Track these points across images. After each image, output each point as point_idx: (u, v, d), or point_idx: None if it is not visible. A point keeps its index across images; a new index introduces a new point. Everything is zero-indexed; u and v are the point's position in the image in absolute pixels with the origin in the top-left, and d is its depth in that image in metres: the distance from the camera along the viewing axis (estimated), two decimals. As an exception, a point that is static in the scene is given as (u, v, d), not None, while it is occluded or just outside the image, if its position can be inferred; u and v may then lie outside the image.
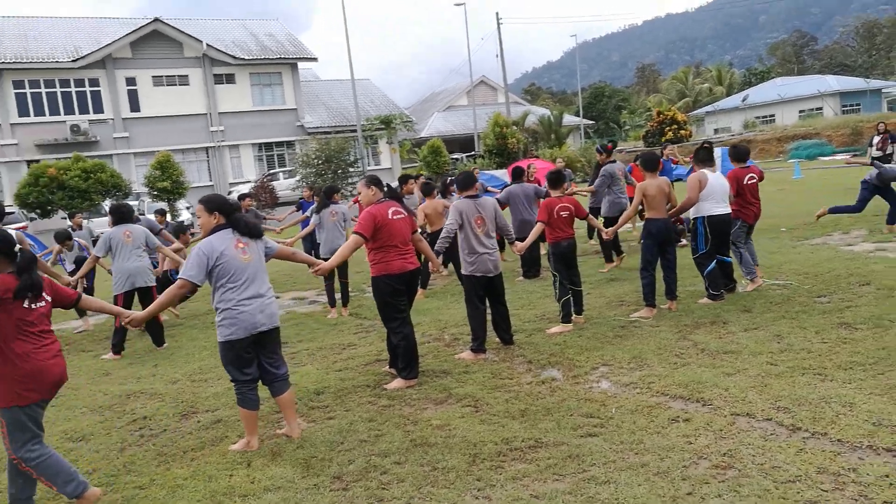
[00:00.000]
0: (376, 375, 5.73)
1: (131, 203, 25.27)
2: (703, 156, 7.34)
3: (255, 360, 4.35)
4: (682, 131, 35.68)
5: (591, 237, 12.17)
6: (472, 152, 35.64)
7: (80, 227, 10.98)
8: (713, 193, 7.03)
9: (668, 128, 35.52)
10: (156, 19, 32.02)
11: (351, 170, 25.22)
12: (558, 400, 4.71)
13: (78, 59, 30.25)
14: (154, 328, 7.56)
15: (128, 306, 7.30)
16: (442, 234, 6.05)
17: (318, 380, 5.73)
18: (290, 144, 35.68)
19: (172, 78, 33.09)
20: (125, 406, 5.62)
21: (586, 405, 4.55)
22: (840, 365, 4.75)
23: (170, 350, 7.55)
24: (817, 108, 42.58)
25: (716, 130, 47.21)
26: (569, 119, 50.37)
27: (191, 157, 34.21)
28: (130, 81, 32.10)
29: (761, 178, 7.75)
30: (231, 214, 4.39)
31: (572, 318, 6.61)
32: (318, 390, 5.46)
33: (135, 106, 32.28)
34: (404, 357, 5.35)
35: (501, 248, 11.51)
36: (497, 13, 37.82)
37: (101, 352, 7.74)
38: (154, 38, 32.16)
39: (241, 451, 4.30)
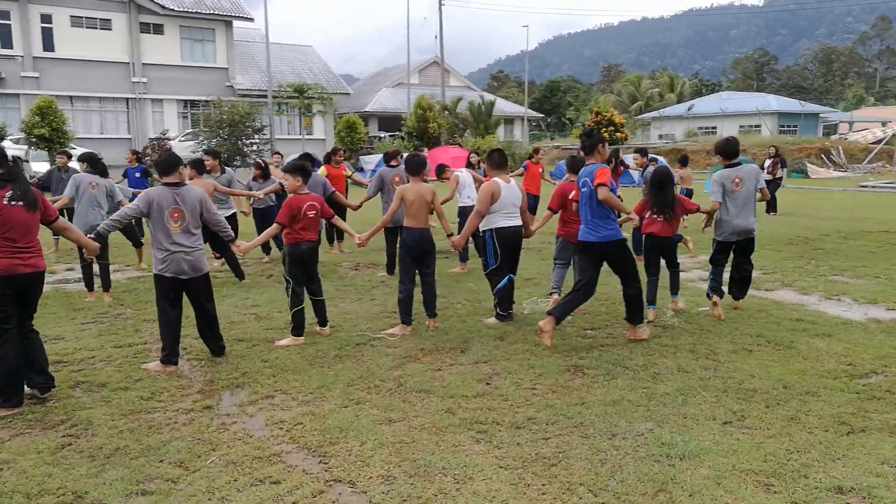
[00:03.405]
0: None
1: (15, 148, 23.72)
2: (498, 160, 6.58)
3: None
4: (619, 134, 35.33)
5: (330, 242, 10.91)
6: (395, 132, 34.61)
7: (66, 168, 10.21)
8: (505, 205, 6.32)
9: (604, 129, 35.08)
10: (78, -45, 30.02)
11: (256, 137, 24.00)
12: (173, 437, 3.92)
13: (-14, -12, 28.22)
14: None
15: None
16: (114, 217, 5.16)
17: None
18: (217, 104, 34.16)
19: (93, 20, 31.18)
20: None
21: (194, 448, 3.77)
22: (516, 423, 4.06)
23: None
24: (756, 126, 42.71)
25: (661, 136, 47.09)
26: (514, 109, 49.78)
27: (108, 107, 32.54)
28: (45, 18, 30.11)
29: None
30: None
31: (304, 330, 5.84)
32: (-63, 395, 4.57)
33: (48, 45, 30.33)
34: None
35: (340, 238, 10.72)
36: (439, -7, 36.67)
37: None
38: (74, -25, 30.21)
39: None
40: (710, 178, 6.76)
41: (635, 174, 18.87)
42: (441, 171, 9.51)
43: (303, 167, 5.82)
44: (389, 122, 44.18)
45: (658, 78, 57.13)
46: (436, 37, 37.68)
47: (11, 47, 29.61)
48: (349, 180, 11.37)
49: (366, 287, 8.10)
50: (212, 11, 33.50)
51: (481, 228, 6.50)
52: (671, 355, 5.33)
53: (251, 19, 35.22)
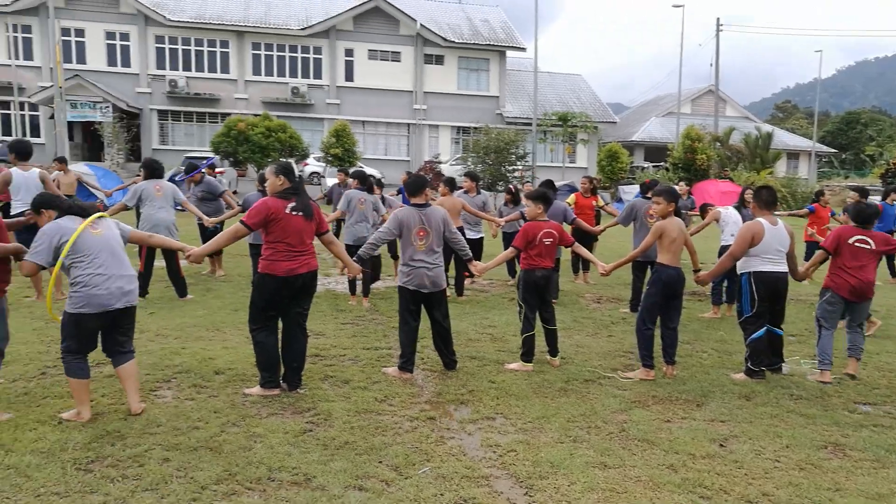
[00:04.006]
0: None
1: (316, 165, 27.52)
2: (766, 198, 5.96)
3: (97, 335, 4.35)
4: (932, 176, 30.04)
5: (575, 271, 10.70)
6: (660, 163, 33.19)
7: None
8: (768, 248, 5.73)
9: (912, 169, 30.16)
10: (378, -5, 33.94)
11: (519, 163, 24.83)
12: (395, 441, 4.16)
13: (306, 28, 33.17)
14: (178, 279, 8.06)
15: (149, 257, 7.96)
16: (370, 241, 5.62)
17: (238, 360, 5.66)
18: (486, 131, 36.09)
19: (386, 53, 34.97)
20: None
21: (411, 456, 3.95)
22: (747, 496, 3.60)
23: (185, 304, 8.01)
24: None
25: None
26: (800, 142, 45.02)
27: (392, 131, 36.10)
28: (349, 52, 34.52)
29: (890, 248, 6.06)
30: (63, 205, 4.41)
31: (534, 357, 5.82)
32: (221, 370, 5.41)
33: (349, 76, 34.69)
34: (258, 364, 4.98)
35: (585, 268, 10.58)
36: (718, 19, 34.57)
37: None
38: (374, 14, 34.18)
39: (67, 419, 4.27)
40: None
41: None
42: (704, 210, 8.96)
43: (544, 195, 5.87)
44: (655, 152, 42.80)
45: None
46: (711, 64, 35.59)
47: (321, 78, 34.40)
48: (601, 210, 11.20)
49: (605, 322, 7.86)
50: (488, 42, 35.57)
51: (738, 271, 5.95)
52: (969, 450, 4.33)
53: (523, 49, 36.66)
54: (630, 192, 25.52)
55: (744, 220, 8.38)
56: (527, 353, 5.79)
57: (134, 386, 4.46)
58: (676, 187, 13.03)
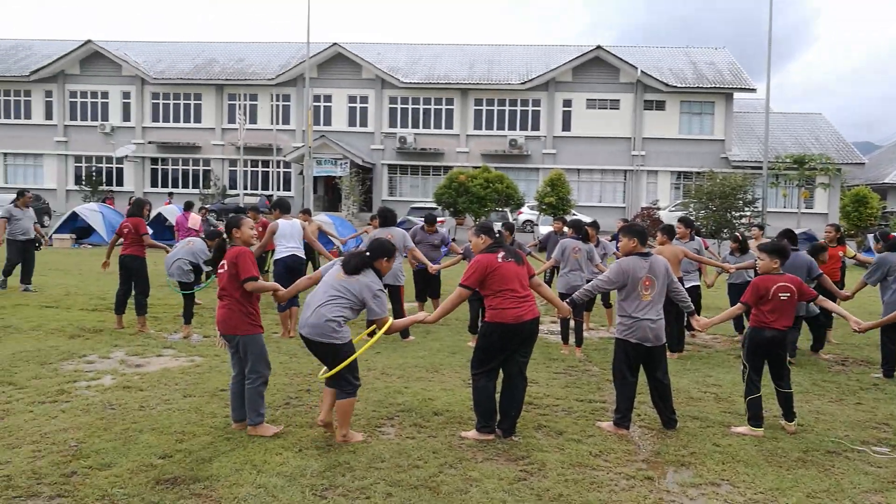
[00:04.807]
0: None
1: (529, 213, 27.98)
2: None
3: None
4: None
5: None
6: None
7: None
8: None
9: None
10: (598, 47, 34.14)
11: (747, 209, 23.05)
12: (611, 499, 4.02)
13: (526, 82, 34.32)
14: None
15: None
16: (586, 287, 5.53)
17: (455, 403, 5.87)
18: (710, 176, 34.28)
19: (605, 102, 34.93)
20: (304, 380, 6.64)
21: (627, 517, 3.79)
22: None
23: (407, 345, 8.52)
24: None
25: None
26: None
27: (608, 178, 35.74)
28: (567, 103, 35.04)
29: None
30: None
31: (763, 421, 5.30)
32: (439, 411, 5.64)
33: (566, 126, 35.12)
34: (476, 409, 5.12)
35: (828, 325, 9.50)
36: None
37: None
38: (594, 64, 34.44)
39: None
40: None
41: None
42: None
43: (780, 248, 5.40)
44: (913, 195, 37.49)
45: None
46: None
47: (538, 129, 35.25)
48: (850, 261, 10.03)
49: (852, 387, 6.95)
50: (713, 85, 34.03)
51: None
52: None
53: (752, 90, 34.49)
54: (883, 240, 22.48)
55: None
56: (754, 417, 5.30)
57: (340, 420, 4.81)
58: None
